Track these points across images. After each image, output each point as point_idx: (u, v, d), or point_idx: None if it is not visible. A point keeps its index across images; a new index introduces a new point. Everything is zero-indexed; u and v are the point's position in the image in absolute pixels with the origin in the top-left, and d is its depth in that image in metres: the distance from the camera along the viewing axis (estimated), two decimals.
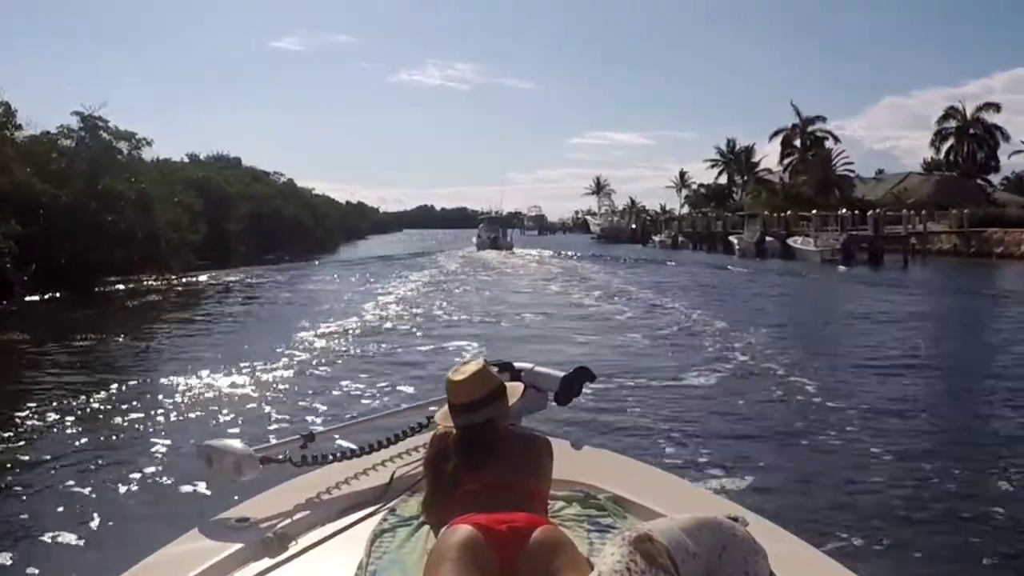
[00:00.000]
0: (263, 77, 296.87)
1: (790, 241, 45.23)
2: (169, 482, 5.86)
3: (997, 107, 62.31)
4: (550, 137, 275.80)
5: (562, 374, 3.07)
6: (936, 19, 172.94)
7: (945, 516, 5.41)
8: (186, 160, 50.38)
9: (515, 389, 2.38)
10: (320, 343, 13.01)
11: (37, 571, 4.57)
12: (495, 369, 2.37)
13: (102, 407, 8.46)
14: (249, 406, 8.38)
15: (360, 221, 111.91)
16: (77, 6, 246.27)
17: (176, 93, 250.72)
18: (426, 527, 2.22)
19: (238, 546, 2.10)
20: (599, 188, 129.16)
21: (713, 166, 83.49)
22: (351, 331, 14.50)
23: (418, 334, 14.38)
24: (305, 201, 64.97)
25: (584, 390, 3.09)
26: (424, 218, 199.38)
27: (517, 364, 3.09)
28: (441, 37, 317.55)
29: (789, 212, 51.71)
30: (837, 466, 6.39)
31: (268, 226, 47.56)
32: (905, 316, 17.41)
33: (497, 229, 60.41)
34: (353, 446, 2.75)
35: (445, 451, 2.24)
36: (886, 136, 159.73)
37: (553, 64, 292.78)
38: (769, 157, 75.53)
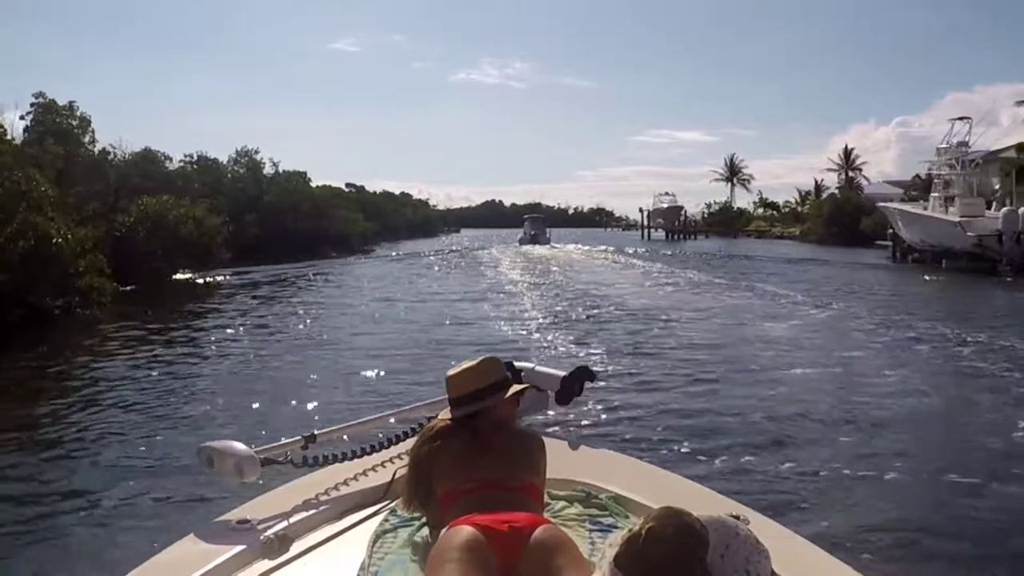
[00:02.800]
0: (323, 79, 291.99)
1: None
2: (169, 484, 5.86)
3: None
4: (613, 135, 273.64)
5: (563, 373, 3.07)
6: (998, 13, 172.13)
7: (954, 517, 5.38)
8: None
9: (515, 389, 2.38)
10: None
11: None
12: None
13: (100, 410, 8.46)
14: None
15: (392, 218, 76.83)
16: (131, 11, 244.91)
17: (238, 97, 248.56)
18: (427, 527, 2.21)
19: (239, 548, 2.10)
20: (733, 172, 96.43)
21: None
22: None
23: None
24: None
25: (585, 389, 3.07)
26: (490, 216, 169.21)
27: (518, 363, 3.09)
28: (497, 36, 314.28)
29: None
30: (843, 466, 6.36)
31: None
32: None
33: (539, 227, 65.79)
34: (354, 447, 2.74)
35: (432, 442, 2.24)
36: (953, 132, 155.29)
37: (611, 62, 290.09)
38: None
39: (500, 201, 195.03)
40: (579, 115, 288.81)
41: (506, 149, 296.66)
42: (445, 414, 2.32)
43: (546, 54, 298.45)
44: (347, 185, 77.83)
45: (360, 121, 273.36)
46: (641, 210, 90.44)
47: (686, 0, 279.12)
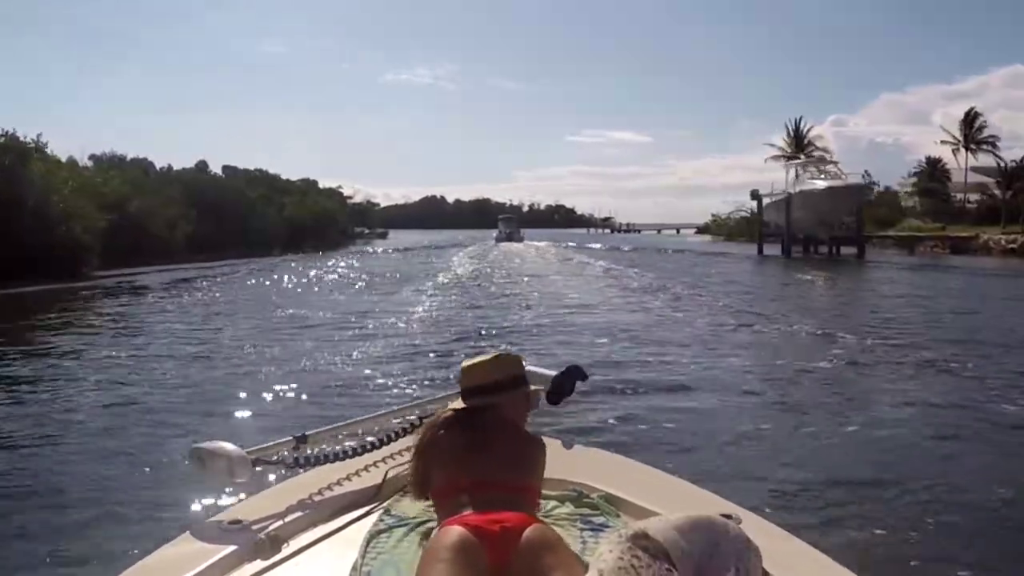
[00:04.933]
0: (253, 81, 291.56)
1: None
2: (161, 485, 5.83)
3: None
4: (545, 136, 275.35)
5: (554, 373, 3.07)
6: (929, 15, 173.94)
7: (952, 516, 5.38)
8: None
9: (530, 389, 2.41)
10: None
11: None
12: None
13: (92, 406, 8.41)
14: None
15: (246, 217, 51.71)
16: (64, 16, 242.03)
17: (166, 101, 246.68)
18: (420, 527, 2.22)
19: (231, 548, 2.10)
20: (800, 146, 65.21)
21: None
22: None
23: None
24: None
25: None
26: (430, 215, 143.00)
27: None
28: (426, 38, 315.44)
29: None
30: (838, 463, 6.36)
31: None
32: None
33: (513, 226, 71.35)
34: (346, 447, 2.74)
35: (435, 431, 2.26)
36: (888, 131, 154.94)
37: (536, 64, 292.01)
38: None
39: (442, 197, 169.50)
40: (510, 116, 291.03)
41: (443, 150, 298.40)
42: (456, 404, 2.34)
43: (472, 56, 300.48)
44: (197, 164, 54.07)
45: (288, 121, 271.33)
46: (756, 196, 49.23)
47: (611, 2, 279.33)
